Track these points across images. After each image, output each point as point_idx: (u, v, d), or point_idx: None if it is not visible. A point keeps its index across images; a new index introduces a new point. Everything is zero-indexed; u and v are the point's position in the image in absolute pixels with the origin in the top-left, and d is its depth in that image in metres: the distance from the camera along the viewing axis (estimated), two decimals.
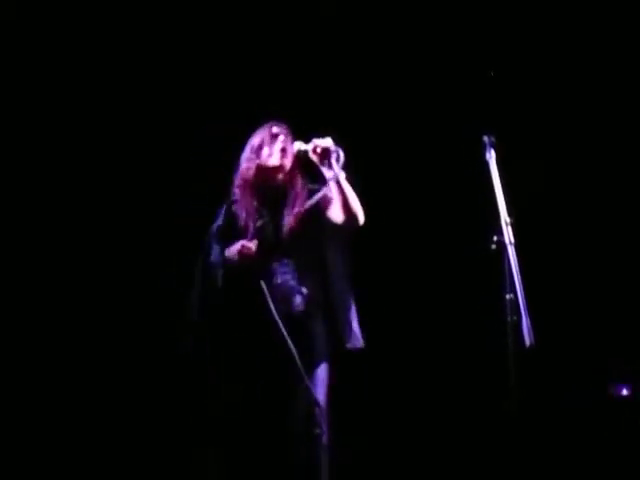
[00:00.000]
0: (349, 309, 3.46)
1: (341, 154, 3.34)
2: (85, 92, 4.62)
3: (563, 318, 4.44)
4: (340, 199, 3.36)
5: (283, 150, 3.47)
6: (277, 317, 3.25)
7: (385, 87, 4.68)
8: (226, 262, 3.37)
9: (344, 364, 3.45)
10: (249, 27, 4.65)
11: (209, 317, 3.40)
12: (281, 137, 3.51)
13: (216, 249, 3.44)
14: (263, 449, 3.31)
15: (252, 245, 3.34)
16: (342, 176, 3.34)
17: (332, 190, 3.37)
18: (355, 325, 3.45)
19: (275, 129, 3.54)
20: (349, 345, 3.41)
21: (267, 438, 3.31)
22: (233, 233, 3.44)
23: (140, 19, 4.58)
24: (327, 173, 3.37)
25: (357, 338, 3.43)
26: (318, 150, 3.38)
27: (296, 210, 3.41)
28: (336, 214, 3.41)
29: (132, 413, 4.47)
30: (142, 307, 4.52)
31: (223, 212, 3.53)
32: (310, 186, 3.51)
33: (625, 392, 4.52)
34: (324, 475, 3.32)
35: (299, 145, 3.46)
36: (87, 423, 4.45)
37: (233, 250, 3.36)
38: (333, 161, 3.34)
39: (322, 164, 3.40)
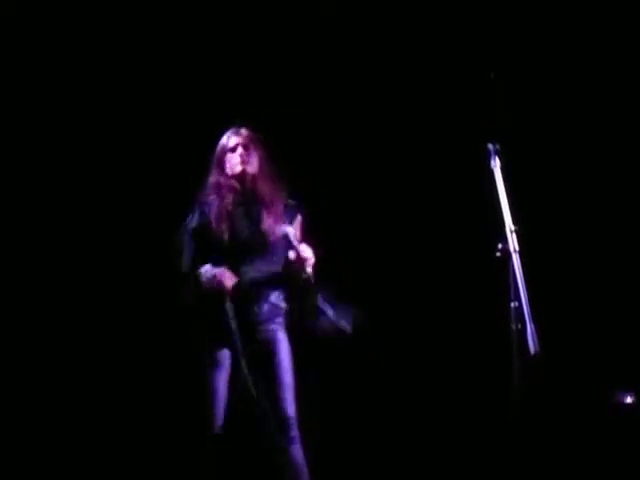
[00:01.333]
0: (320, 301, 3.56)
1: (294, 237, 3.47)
2: (86, 92, 4.62)
3: (568, 326, 4.43)
4: (299, 263, 3.47)
5: (242, 161, 3.59)
6: (238, 343, 3.42)
7: (390, 95, 4.67)
8: (199, 282, 3.47)
9: (350, 369, 3.48)
10: (249, 27, 4.65)
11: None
12: (239, 150, 3.62)
13: (189, 250, 3.54)
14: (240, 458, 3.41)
15: (229, 281, 3.44)
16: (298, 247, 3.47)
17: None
18: (330, 312, 3.53)
19: (233, 140, 3.65)
20: (340, 332, 3.50)
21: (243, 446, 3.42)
22: (206, 234, 3.55)
23: (141, 18, 4.59)
24: (303, 275, 3.47)
25: (345, 326, 3.52)
26: (300, 256, 3.48)
27: (272, 222, 3.54)
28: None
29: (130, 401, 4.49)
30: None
31: (197, 212, 3.61)
32: (289, 202, 3.64)
33: (629, 400, 4.51)
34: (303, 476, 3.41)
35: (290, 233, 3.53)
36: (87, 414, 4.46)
37: (211, 277, 3.45)
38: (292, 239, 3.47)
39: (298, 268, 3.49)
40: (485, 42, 4.60)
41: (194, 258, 3.54)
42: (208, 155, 3.74)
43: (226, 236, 3.51)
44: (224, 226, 3.53)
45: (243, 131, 3.68)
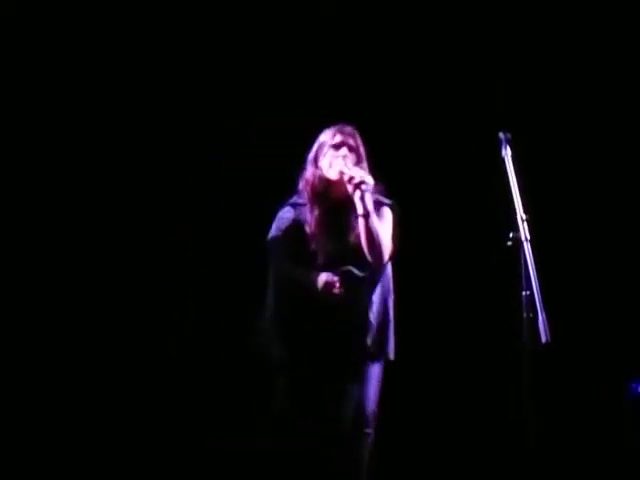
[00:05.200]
0: (391, 325, 3.46)
1: (366, 194, 3.25)
2: (88, 92, 4.62)
3: (579, 315, 4.43)
4: (365, 236, 3.27)
5: (344, 163, 3.33)
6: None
7: (401, 84, 4.67)
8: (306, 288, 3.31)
9: None
10: (254, 27, 4.65)
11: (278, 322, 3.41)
12: (343, 149, 3.38)
13: (283, 260, 3.39)
14: (312, 445, 3.32)
15: (337, 283, 3.27)
16: (371, 214, 3.26)
17: (360, 225, 3.29)
18: (392, 339, 3.46)
19: (339, 137, 3.41)
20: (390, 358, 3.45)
21: (317, 434, 3.32)
22: (297, 239, 3.38)
23: (146, 18, 4.59)
24: (358, 206, 3.27)
25: (392, 351, 3.46)
26: (353, 181, 3.25)
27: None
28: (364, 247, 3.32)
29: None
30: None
31: (288, 216, 3.44)
32: (379, 198, 3.42)
33: None
34: (363, 475, 3.34)
35: (342, 166, 3.33)
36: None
37: (320, 282, 3.28)
38: (357, 198, 3.25)
39: (354, 195, 3.27)
40: (495, 28, 4.59)
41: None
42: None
43: (320, 252, 3.35)
44: (317, 232, 3.35)
45: (349, 129, 3.45)
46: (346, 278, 3.31)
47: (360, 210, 3.25)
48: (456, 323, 4.58)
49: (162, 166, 4.63)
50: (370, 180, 3.27)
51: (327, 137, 3.44)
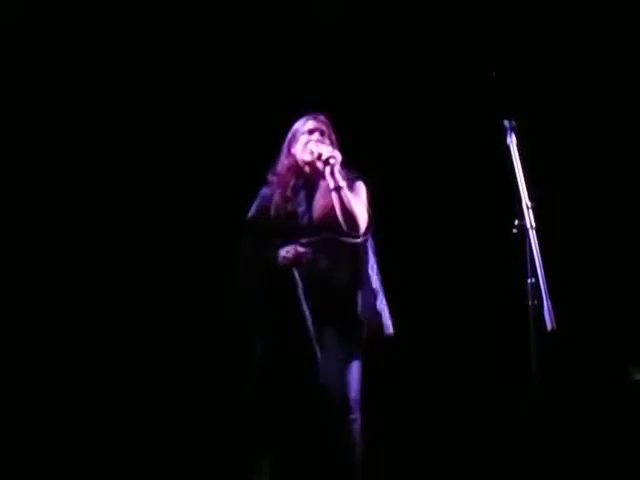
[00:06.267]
0: (380, 297, 3.50)
1: (335, 168, 3.37)
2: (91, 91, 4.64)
3: (585, 302, 4.43)
4: (339, 208, 3.38)
5: (317, 146, 3.47)
6: (307, 313, 3.35)
7: (407, 71, 4.66)
8: (274, 262, 3.39)
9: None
10: (256, 27, 4.65)
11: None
12: (315, 135, 3.54)
13: (252, 242, 3.48)
14: (298, 434, 3.36)
15: (300, 250, 3.38)
16: (343, 188, 3.37)
17: (333, 198, 3.39)
18: (386, 313, 3.49)
19: (312, 123, 3.57)
20: (382, 333, 3.47)
21: (302, 422, 3.36)
22: (266, 222, 3.49)
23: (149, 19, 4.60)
24: (329, 181, 3.40)
25: (388, 326, 3.49)
26: (322, 157, 3.41)
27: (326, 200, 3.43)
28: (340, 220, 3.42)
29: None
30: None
31: (257, 200, 3.57)
32: (350, 175, 3.52)
33: None
34: (357, 460, 3.36)
35: (313, 146, 3.48)
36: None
37: (288, 255, 3.38)
38: (327, 174, 3.38)
39: (325, 171, 3.41)
40: (501, 13, 4.58)
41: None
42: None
43: (285, 221, 3.47)
44: (283, 211, 3.49)
45: (321, 117, 3.61)
46: (326, 246, 3.40)
47: (332, 184, 3.39)
48: (461, 310, 4.58)
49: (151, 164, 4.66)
50: (338, 155, 3.42)
51: (300, 124, 3.61)
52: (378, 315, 3.47)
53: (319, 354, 3.34)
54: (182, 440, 4.47)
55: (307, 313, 3.36)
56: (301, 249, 3.38)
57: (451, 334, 4.52)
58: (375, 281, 3.51)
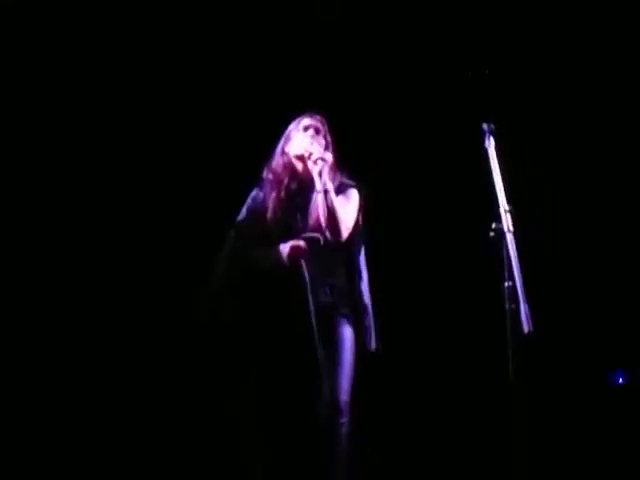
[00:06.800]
0: (370, 312, 3.49)
1: (324, 170, 3.35)
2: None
3: (561, 306, 4.45)
4: (322, 212, 3.35)
5: (311, 142, 3.46)
6: (312, 305, 3.30)
7: (384, 73, 4.67)
8: (272, 265, 3.37)
9: None
10: (254, 28, 4.64)
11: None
12: (310, 131, 3.52)
13: (240, 243, 3.46)
14: (288, 434, 3.35)
15: (302, 244, 3.36)
16: (330, 191, 3.34)
17: (318, 201, 3.37)
18: (373, 329, 3.47)
19: (307, 121, 3.55)
20: (371, 348, 3.46)
21: (293, 423, 3.35)
22: (259, 224, 3.46)
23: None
24: (316, 182, 3.38)
25: (377, 341, 3.47)
26: (312, 157, 3.39)
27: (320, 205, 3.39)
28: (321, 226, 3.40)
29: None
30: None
31: (248, 203, 3.54)
32: (344, 180, 3.52)
33: (621, 381, 4.53)
34: (343, 464, 3.35)
35: (306, 144, 3.46)
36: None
37: (284, 249, 3.36)
38: (315, 174, 3.36)
39: (313, 171, 3.39)
40: (478, 20, 4.59)
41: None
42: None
43: (280, 226, 3.44)
44: (277, 216, 3.45)
45: (318, 116, 3.59)
46: (313, 245, 3.38)
47: (318, 186, 3.35)
48: (437, 314, 4.59)
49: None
50: (329, 157, 3.40)
51: (295, 123, 3.59)
52: (366, 331, 3.45)
53: (321, 352, 3.31)
54: (173, 441, 4.45)
55: (313, 311, 3.32)
56: (302, 243, 3.36)
57: (451, 334, 4.52)
58: (365, 293, 3.48)
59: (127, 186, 4.62)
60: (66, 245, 4.56)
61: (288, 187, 3.51)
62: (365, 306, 3.46)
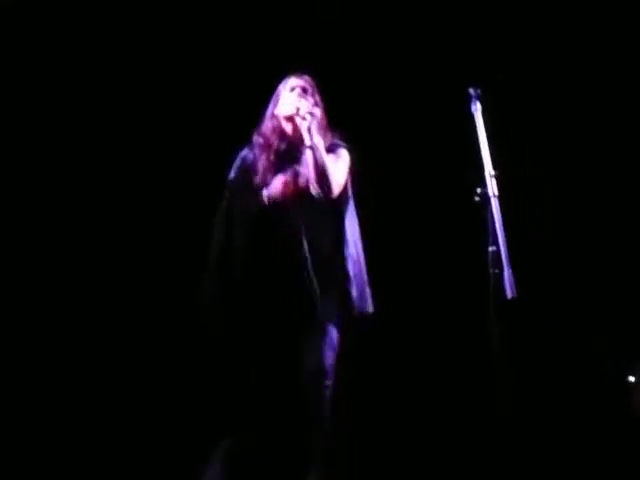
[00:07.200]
0: (363, 273, 3.48)
1: (313, 124, 3.32)
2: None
3: (545, 271, 4.46)
4: (312, 168, 3.32)
5: (299, 100, 3.43)
6: (307, 254, 3.31)
7: (369, 40, 4.63)
8: (268, 201, 3.36)
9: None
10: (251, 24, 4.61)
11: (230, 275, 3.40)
12: (297, 90, 3.48)
13: (232, 201, 3.44)
14: (275, 395, 3.36)
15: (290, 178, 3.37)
16: (318, 147, 3.31)
17: (308, 156, 3.35)
18: (367, 290, 3.48)
19: (294, 81, 3.51)
20: (362, 310, 3.47)
21: (280, 386, 3.36)
22: (247, 186, 3.43)
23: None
24: (305, 137, 3.35)
25: (369, 303, 3.48)
26: (300, 112, 3.37)
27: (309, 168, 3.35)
28: (311, 182, 3.36)
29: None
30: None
31: (237, 164, 3.51)
32: (335, 141, 3.50)
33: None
34: (325, 427, 3.37)
35: (294, 100, 3.44)
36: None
37: (276, 187, 3.37)
38: (304, 129, 3.34)
39: (302, 126, 3.36)
40: None
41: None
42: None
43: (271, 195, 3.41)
44: (267, 178, 3.42)
45: (306, 77, 3.54)
46: (301, 202, 3.36)
47: (307, 141, 3.32)
48: (421, 278, 4.60)
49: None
50: (317, 112, 3.39)
51: (282, 84, 3.55)
52: (348, 296, 3.44)
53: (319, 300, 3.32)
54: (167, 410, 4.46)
55: (309, 261, 3.32)
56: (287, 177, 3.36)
57: (451, 333, 4.53)
58: (350, 259, 3.46)
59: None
60: (55, 236, 4.54)
61: (277, 150, 3.48)
62: (347, 273, 3.44)
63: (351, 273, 3.44)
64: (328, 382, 3.38)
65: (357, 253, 3.49)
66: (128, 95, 4.58)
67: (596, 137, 4.60)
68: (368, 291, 3.48)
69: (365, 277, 3.49)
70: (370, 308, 3.48)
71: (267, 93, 3.60)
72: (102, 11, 4.53)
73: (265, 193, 3.38)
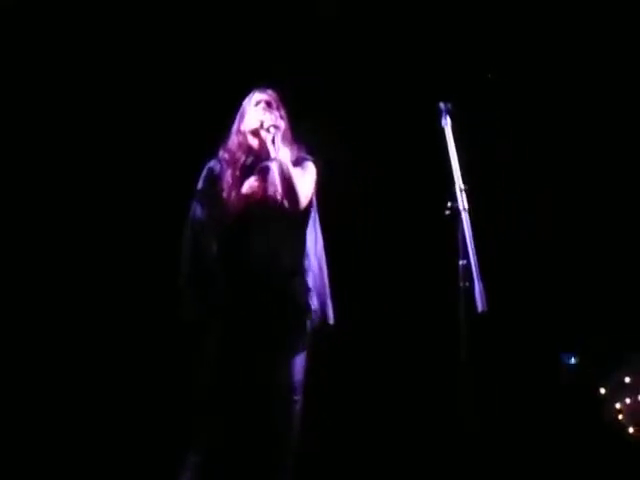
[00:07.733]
0: (325, 286, 3.49)
1: (277, 137, 3.36)
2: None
3: (515, 285, 4.48)
4: (279, 180, 3.35)
5: (263, 114, 3.45)
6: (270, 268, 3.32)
7: (343, 52, 4.65)
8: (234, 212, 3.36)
9: None
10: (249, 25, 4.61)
11: (201, 285, 3.39)
12: (262, 104, 3.50)
13: (199, 212, 3.42)
14: (243, 411, 3.35)
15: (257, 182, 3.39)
16: (282, 160, 3.34)
17: (274, 170, 3.37)
18: (329, 302, 3.48)
19: (258, 96, 3.53)
20: (324, 321, 3.46)
21: (249, 401, 3.35)
22: (214, 197, 3.42)
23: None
24: (270, 149, 3.37)
25: (330, 316, 3.48)
26: (265, 125, 3.39)
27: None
28: (278, 193, 3.39)
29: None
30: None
31: (204, 174, 3.50)
32: (301, 154, 3.51)
33: (573, 360, 4.59)
34: (294, 442, 3.37)
35: (259, 114, 3.46)
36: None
37: (243, 195, 3.38)
38: (269, 142, 3.37)
39: (266, 139, 3.39)
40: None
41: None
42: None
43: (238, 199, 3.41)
44: (234, 192, 3.41)
45: (269, 91, 3.56)
46: (267, 214, 3.37)
47: (272, 153, 3.36)
48: (392, 292, 4.61)
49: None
50: (281, 124, 3.43)
51: (247, 99, 3.57)
52: (322, 301, 3.46)
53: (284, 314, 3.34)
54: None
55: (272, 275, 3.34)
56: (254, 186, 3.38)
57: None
58: (310, 271, 3.46)
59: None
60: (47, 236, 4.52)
61: (244, 165, 3.48)
62: (305, 284, 3.44)
63: (311, 285, 3.45)
64: (297, 397, 3.39)
65: (318, 266, 3.49)
66: (109, 100, 4.58)
67: (565, 150, 4.64)
68: (329, 303, 3.48)
69: (327, 290, 3.49)
70: (331, 320, 3.48)
71: (233, 104, 3.61)
72: (102, 11, 4.53)
73: (231, 202, 3.38)
